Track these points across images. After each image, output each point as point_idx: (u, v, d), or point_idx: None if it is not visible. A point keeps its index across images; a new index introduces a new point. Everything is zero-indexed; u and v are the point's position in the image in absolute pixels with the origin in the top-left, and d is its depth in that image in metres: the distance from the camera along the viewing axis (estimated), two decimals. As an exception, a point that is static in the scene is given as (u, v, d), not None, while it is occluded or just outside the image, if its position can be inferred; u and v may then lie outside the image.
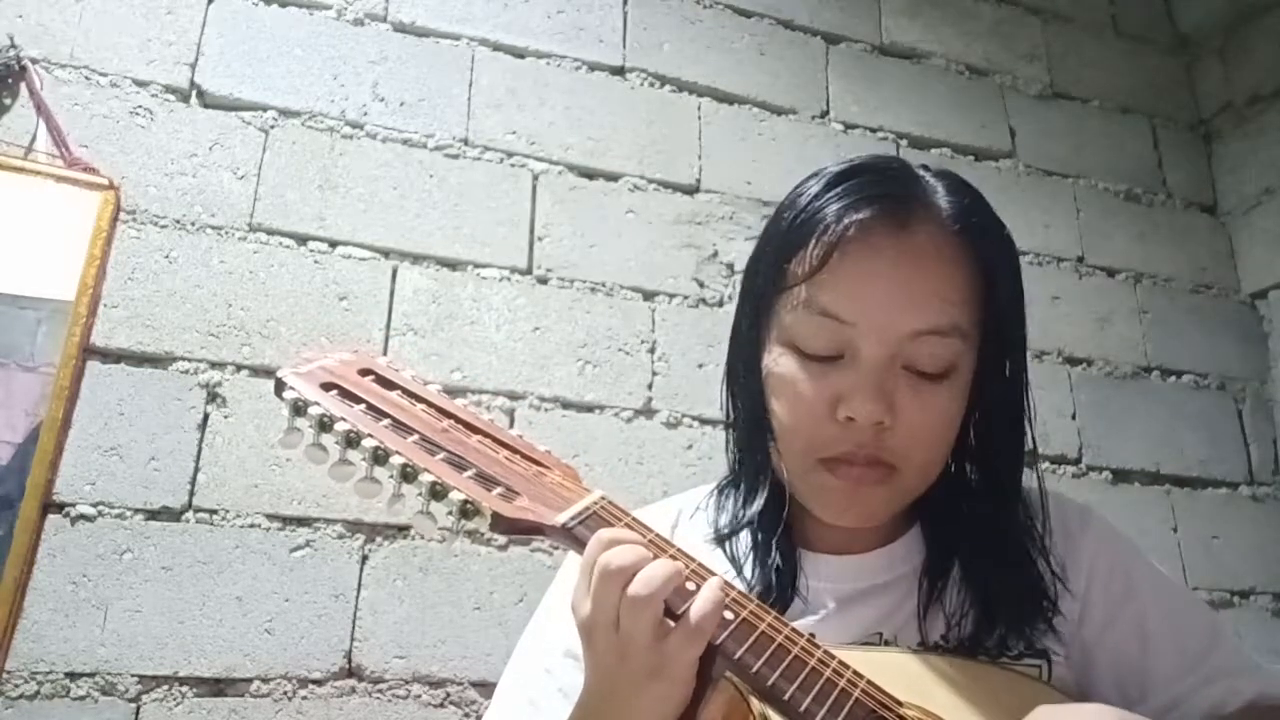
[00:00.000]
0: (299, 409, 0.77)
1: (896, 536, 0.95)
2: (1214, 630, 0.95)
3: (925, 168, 0.93)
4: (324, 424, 0.76)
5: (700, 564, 0.75)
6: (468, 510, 0.73)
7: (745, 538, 0.94)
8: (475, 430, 0.82)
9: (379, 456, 0.75)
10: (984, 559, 0.90)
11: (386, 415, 0.78)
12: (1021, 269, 0.93)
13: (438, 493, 0.74)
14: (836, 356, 0.86)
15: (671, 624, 0.70)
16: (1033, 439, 0.96)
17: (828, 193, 0.89)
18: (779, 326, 0.90)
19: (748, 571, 0.91)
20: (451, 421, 0.82)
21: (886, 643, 0.88)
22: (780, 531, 0.92)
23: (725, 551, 0.94)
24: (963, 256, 0.86)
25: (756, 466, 0.96)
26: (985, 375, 0.90)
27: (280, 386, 0.78)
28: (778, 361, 0.89)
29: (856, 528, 0.91)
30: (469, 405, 0.87)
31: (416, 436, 0.77)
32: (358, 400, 0.79)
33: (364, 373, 0.83)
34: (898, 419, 0.83)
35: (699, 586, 0.71)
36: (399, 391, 0.83)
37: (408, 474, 0.74)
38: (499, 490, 0.76)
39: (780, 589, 0.89)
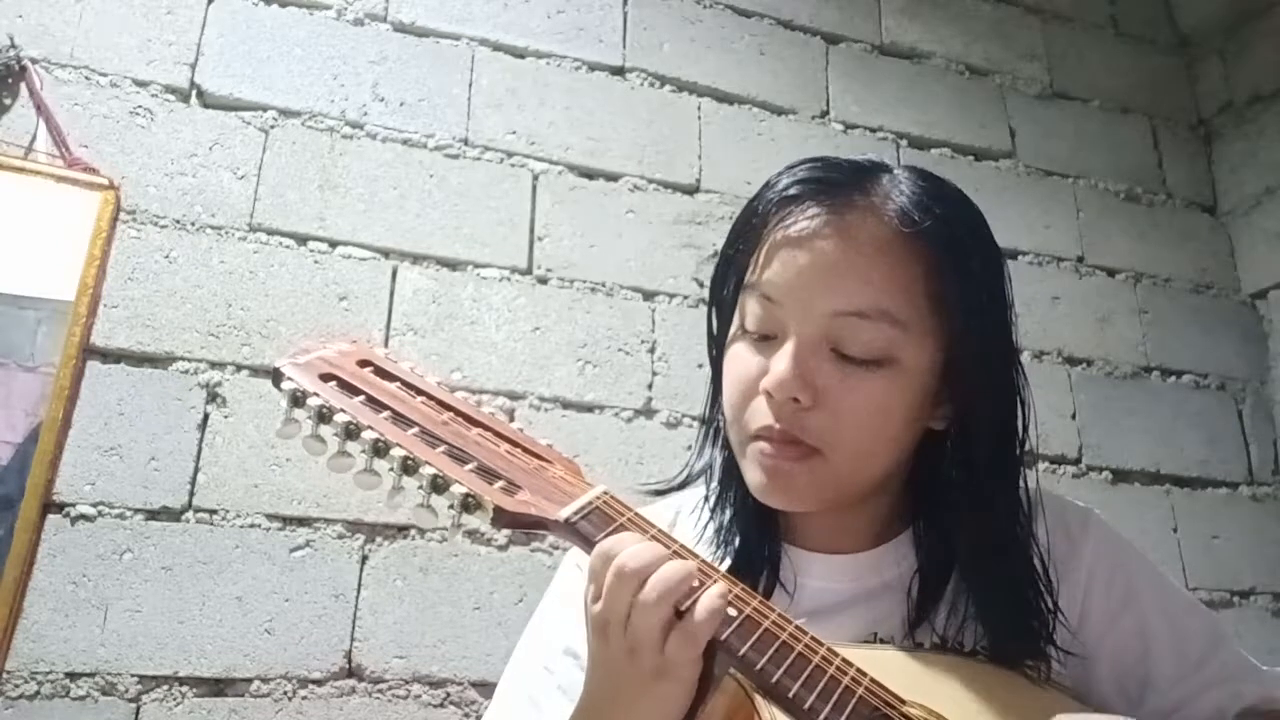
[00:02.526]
0: (297, 400, 0.76)
1: (889, 538, 0.94)
2: (1215, 634, 0.95)
3: (911, 168, 0.92)
4: (323, 415, 0.75)
5: (705, 562, 0.75)
6: (469, 504, 0.73)
7: (737, 532, 0.94)
8: (476, 423, 0.82)
9: (379, 449, 0.74)
10: (978, 565, 0.89)
11: (386, 407, 0.78)
12: (1004, 272, 0.91)
13: (439, 486, 0.73)
14: (772, 336, 0.87)
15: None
16: (1025, 438, 0.94)
17: (779, 177, 0.91)
18: (736, 308, 0.91)
19: (730, 565, 0.91)
20: (452, 414, 0.81)
21: (884, 643, 0.87)
22: (763, 525, 0.92)
23: (719, 546, 0.94)
24: (905, 251, 0.85)
25: (729, 457, 0.96)
26: (958, 375, 0.88)
27: (278, 377, 0.78)
28: (730, 340, 0.92)
29: (801, 511, 0.91)
30: (468, 398, 0.87)
31: (417, 429, 0.77)
32: (357, 392, 0.79)
33: (363, 364, 0.83)
34: (821, 401, 0.83)
35: (702, 584, 0.71)
36: (398, 383, 0.83)
37: (408, 467, 0.74)
38: (501, 484, 0.75)
39: (757, 577, 0.89)
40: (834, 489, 0.87)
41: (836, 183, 0.88)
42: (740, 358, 0.89)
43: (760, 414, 0.86)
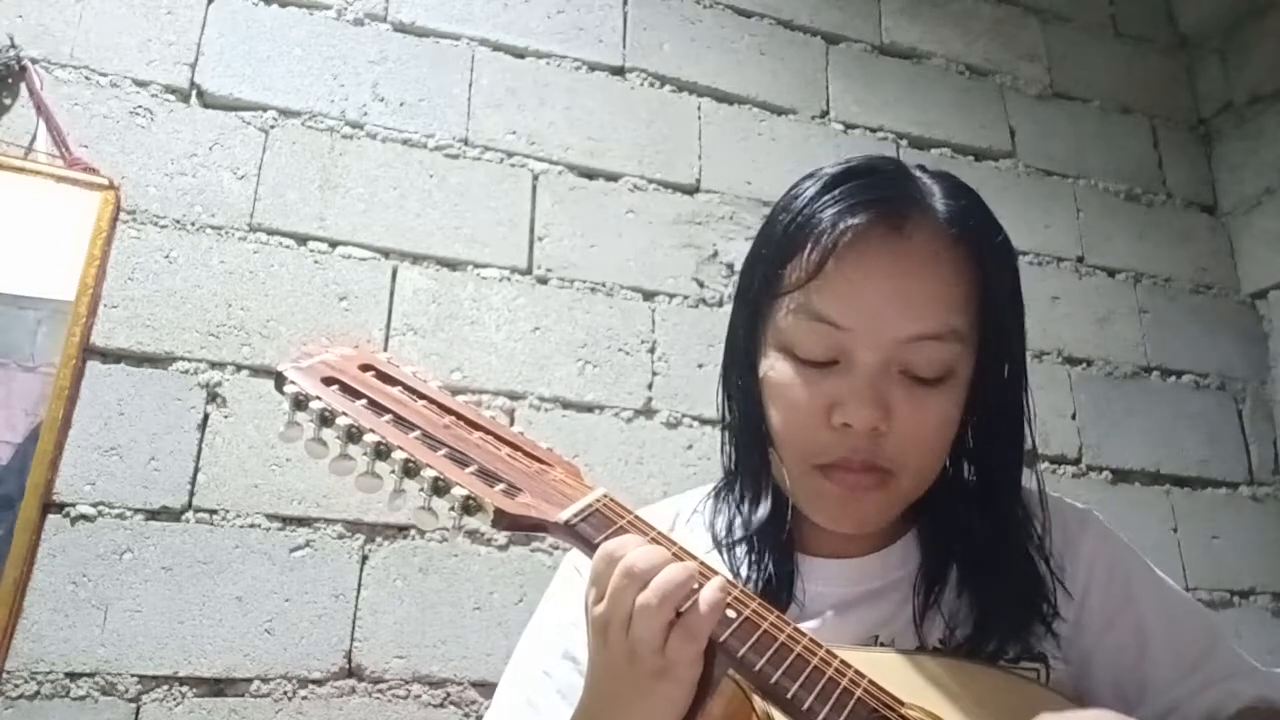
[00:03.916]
0: (300, 403, 0.76)
1: (893, 540, 0.95)
2: (1212, 634, 0.95)
3: (921, 168, 0.93)
4: (325, 418, 0.76)
5: (705, 564, 0.75)
6: (470, 506, 0.73)
7: (746, 539, 0.94)
8: (477, 427, 0.82)
9: (380, 452, 0.75)
10: (981, 563, 0.90)
11: (388, 411, 0.78)
12: (1020, 270, 0.93)
13: (439, 488, 0.74)
14: (832, 362, 0.86)
15: None
16: (1033, 440, 0.95)
17: (823, 196, 0.88)
18: (775, 331, 0.89)
19: (745, 575, 0.91)
20: (453, 418, 0.82)
21: (884, 645, 0.88)
22: (779, 537, 0.92)
23: (723, 555, 0.94)
24: (959, 260, 0.86)
25: (754, 472, 0.96)
26: (983, 377, 0.89)
27: (281, 381, 0.78)
28: (774, 367, 0.89)
29: (853, 532, 0.91)
30: (469, 402, 0.87)
31: (418, 432, 0.77)
32: (359, 395, 0.79)
33: (365, 368, 0.83)
34: (893, 424, 0.83)
35: (703, 586, 0.71)
36: (400, 387, 0.83)
37: (409, 469, 0.74)
38: (501, 486, 0.75)
39: (777, 593, 0.89)
40: (899, 507, 0.89)
41: (885, 197, 0.87)
42: (795, 385, 0.87)
43: (833, 445, 0.85)
